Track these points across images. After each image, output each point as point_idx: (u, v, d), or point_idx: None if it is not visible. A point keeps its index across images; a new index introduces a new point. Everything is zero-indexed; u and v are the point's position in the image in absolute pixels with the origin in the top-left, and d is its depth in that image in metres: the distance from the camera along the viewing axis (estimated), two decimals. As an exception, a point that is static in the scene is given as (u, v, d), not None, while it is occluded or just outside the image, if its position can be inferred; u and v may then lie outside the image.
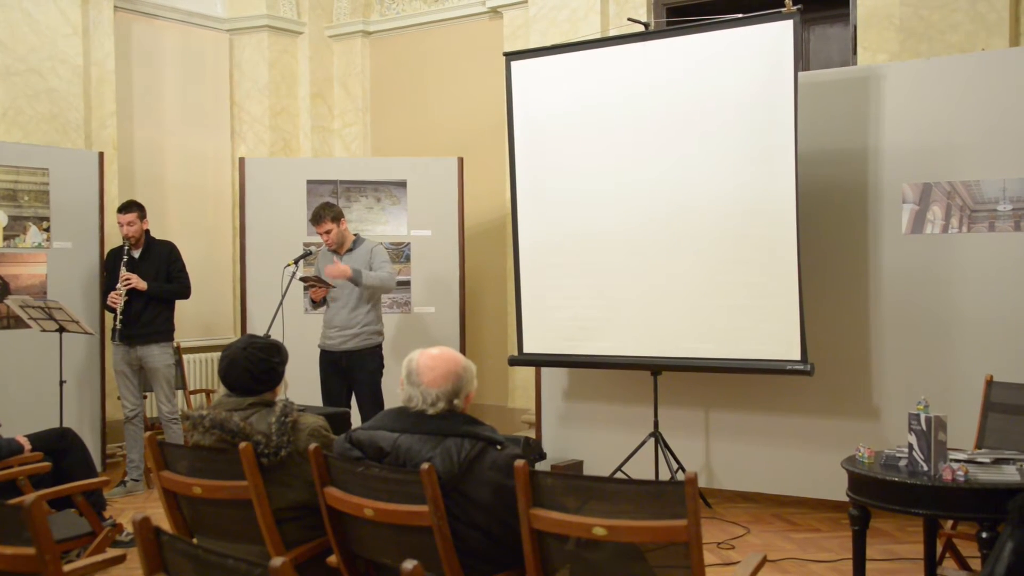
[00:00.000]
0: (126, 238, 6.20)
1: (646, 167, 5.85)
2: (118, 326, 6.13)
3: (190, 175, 8.34)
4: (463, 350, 7.05)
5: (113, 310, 6.20)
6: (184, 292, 6.36)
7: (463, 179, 7.39)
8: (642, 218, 5.86)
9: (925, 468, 3.74)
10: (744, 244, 5.58)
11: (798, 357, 5.42)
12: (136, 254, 6.29)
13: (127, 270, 6.16)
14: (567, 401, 6.52)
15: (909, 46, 5.94)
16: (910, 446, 3.79)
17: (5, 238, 6.40)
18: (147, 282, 6.18)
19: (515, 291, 6.21)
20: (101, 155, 7.08)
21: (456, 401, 2.81)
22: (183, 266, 6.40)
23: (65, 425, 5.43)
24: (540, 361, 6.20)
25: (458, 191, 7.38)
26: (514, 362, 6.31)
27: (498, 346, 7.80)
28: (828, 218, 5.74)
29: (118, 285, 6.16)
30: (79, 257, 6.85)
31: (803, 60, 6.58)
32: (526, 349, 6.17)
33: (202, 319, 8.17)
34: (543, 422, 6.59)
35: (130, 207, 6.25)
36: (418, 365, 2.82)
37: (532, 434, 6.73)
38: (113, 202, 7.11)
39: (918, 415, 3.77)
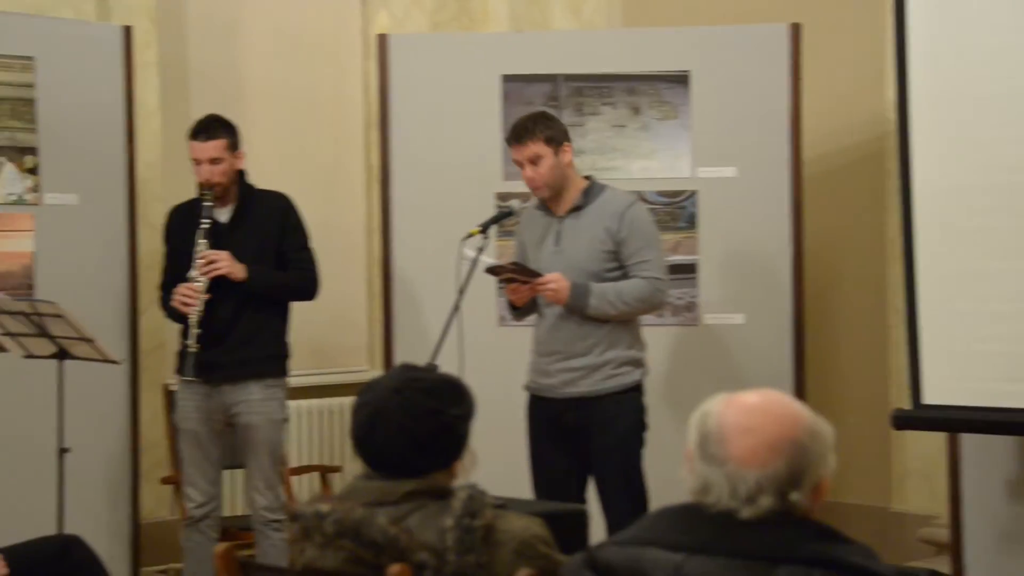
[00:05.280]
0: (206, 186, 4.92)
1: None
2: (192, 347, 4.89)
3: (289, 71, 6.63)
4: (802, 397, 5.45)
5: (184, 319, 4.92)
6: (308, 286, 5.17)
7: (798, 66, 5.51)
8: None
9: None
10: None
11: None
12: (224, 216, 5.05)
13: (210, 245, 4.91)
14: (1016, 499, 5.22)
15: None
16: None
17: (-44, 187, 5.32)
18: (246, 265, 4.95)
19: (905, 287, 5.02)
20: (127, 31, 5.45)
21: (795, 495, 2.14)
22: (306, 240, 5.14)
23: (67, 532, 4.63)
24: (957, 421, 5.04)
25: (790, 91, 5.49)
26: (904, 423, 5.10)
27: (869, 391, 6.11)
28: None
29: (193, 272, 4.90)
30: (92, 220, 5.40)
31: None
32: (929, 398, 4.92)
33: (315, 336, 6.42)
34: (966, 540, 5.24)
35: (214, 128, 5.00)
36: (721, 424, 2.20)
37: (943, 565, 5.36)
38: (151, 117, 5.70)
39: None
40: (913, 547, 5.79)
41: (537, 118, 4.73)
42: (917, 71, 4.73)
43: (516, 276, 4.62)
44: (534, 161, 4.59)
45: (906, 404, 5.00)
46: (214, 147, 4.87)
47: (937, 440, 5.37)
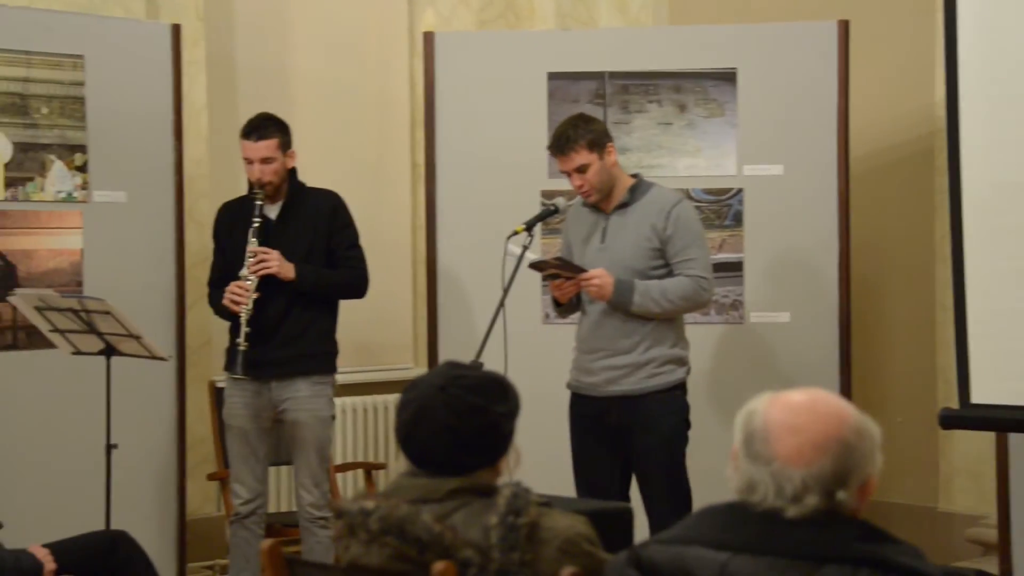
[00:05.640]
0: (258, 184, 5.03)
1: None
2: (242, 345, 4.97)
3: (336, 69, 6.66)
4: (848, 396, 5.39)
5: (235, 317, 5.02)
6: (357, 284, 5.28)
7: (846, 63, 5.58)
8: None
9: None
10: None
11: None
12: (273, 213, 5.16)
13: (260, 242, 5.01)
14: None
15: None
16: None
17: (8, 184, 5.21)
18: (295, 264, 5.04)
19: (953, 285, 5.04)
20: (176, 30, 5.55)
21: (841, 494, 2.18)
22: (356, 238, 5.22)
23: (114, 527, 4.71)
24: (1005, 421, 5.06)
25: (837, 88, 5.56)
26: (952, 422, 5.16)
27: (917, 390, 6.18)
28: None
29: (244, 271, 5.00)
30: (140, 218, 5.49)
31: None
32: (977, 397, 4.94)
33: (360, 334, 6.34)
34: (1014, 540, 5.29)
35: (266, 128, 5.08)
36: (767, 423, 2.23)
37: (991, 565, 5.43)
38: (198, 115, 5.84)
39: None
40: (961, 547, 5.78)
41: (576, 123, 4.72)
42: (966, 68, 4.70)
43: (560, 272, 4.59)
44: (581, 170, 4.61)
45: (954, 403, 4.96)
46: (266, 147, 4.91)
47: (985, 440, 5.34)
